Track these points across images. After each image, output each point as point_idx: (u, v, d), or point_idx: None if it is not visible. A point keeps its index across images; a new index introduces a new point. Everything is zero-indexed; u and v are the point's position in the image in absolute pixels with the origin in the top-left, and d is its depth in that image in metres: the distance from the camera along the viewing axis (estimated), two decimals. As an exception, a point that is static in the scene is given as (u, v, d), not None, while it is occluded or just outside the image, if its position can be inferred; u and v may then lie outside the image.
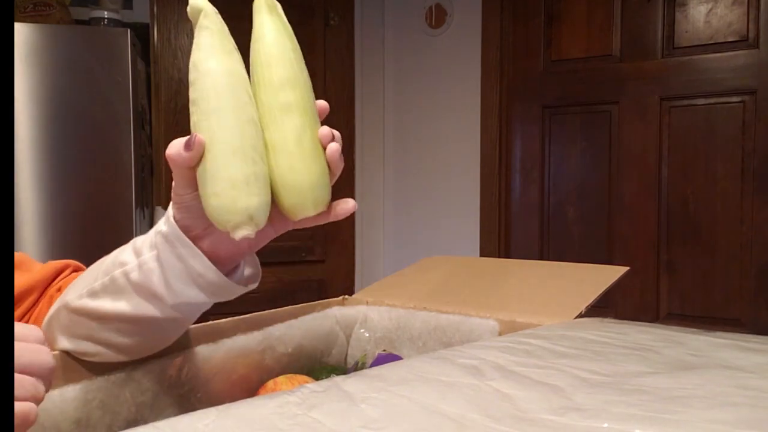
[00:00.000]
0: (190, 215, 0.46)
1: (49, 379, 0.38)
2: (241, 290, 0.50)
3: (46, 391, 0.38)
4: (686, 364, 0.44)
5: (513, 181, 2.38)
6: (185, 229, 0.46)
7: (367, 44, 2.61)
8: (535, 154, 2.32)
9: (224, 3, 2.27)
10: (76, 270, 0.66)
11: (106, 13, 2.08)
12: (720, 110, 1.97)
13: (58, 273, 0.64)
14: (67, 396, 0.50)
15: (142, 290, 0.48)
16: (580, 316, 0.66)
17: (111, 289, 0.49)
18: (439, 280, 0.87)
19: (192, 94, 0.44)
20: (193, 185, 0.45)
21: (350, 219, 2.57)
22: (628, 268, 0.75)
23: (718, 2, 1.96)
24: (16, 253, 0.64)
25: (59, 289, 0.62)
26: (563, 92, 2.26)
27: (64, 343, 0.53)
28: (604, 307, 2.14)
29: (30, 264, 0.64)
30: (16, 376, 0.36)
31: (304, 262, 2.43)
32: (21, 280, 0.61)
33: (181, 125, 2.25)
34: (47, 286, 0.63)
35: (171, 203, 0.47)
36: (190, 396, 0.59)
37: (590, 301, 0.68)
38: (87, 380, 0.52)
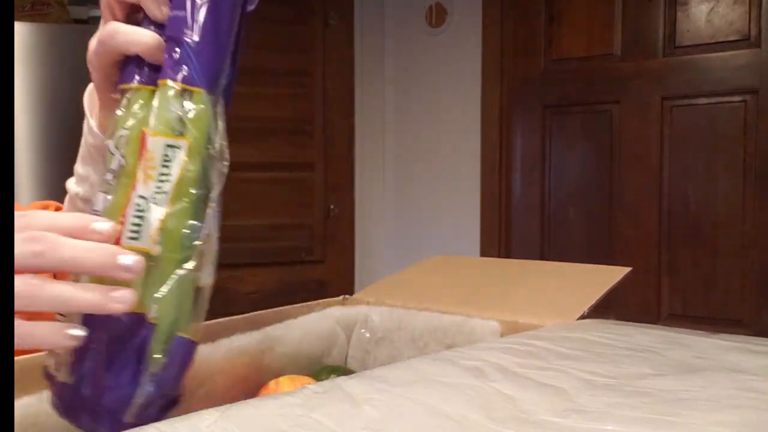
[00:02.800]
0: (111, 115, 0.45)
1: None
2: None
3: None
4: (690, 367, 0.44)
5: (513, 181, 2.38)
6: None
7: (367, 44, 2.60)
8: (535, 153, 2.32)
9: None
10: (58, 209, 0.67)
11: (105, 12, 2.08)
12: (722, 110, 1.97)
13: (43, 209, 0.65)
14: (65, 397, 0.49)
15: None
16: (583, 317, 0.66)
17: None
18: (441, 280, 0.86)
19: None
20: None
21: (350, 219, 2.56)
22: (630, 269, 0.75)
23: (719, 1, 1.96)
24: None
25: None
26: (564, 92, 2.25)
27: None
28: (604, 307, 2.13)
29: (16, 207, 0.66)
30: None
31: (304, 262, 2.43)
32: None
33: (180, 125, 2.24)
34: None
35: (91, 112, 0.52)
36: (188, 396, 0.58)
37: (593, 302, 0.68)
38: (85, 381, 0.51)
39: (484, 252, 2.40)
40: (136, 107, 0.40)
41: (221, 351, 0.62)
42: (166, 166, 0.38)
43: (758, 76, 1.91)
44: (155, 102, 0.40)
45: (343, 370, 0.71)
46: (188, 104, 0.39)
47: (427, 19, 2.53)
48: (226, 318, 0.65)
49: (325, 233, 2.48)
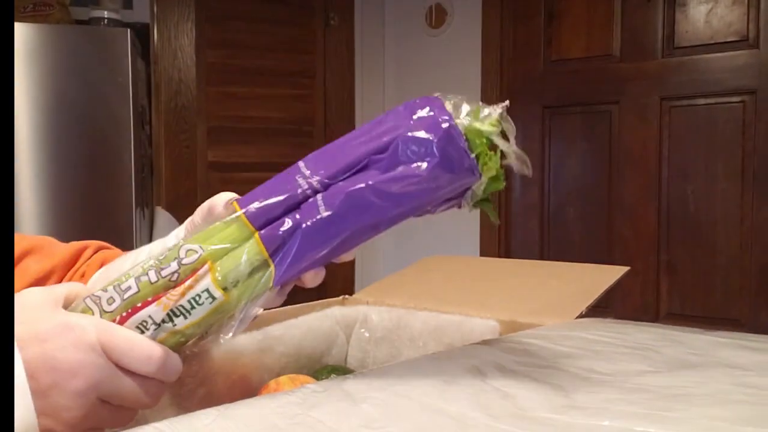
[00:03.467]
0: None
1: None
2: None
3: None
4: (687, 363, 0.44)
5: (513, 181, 2.38)
6: None
7: (367, 44, 2.60)
8: (535, 154, 2.32)
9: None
10: (97, 250, 0.65)
11: (106, 13, 2.08)
12: (720, 110, 1.97)
13: (78, 255, 0.63)
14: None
15: None
16: (581, 316, 0.66)
17: None
18: (440, 280, 0.87)
19: None
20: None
21: (350, 219, 2.56)
22: (628, 268, 0.75)
23: (718, 2, 1.96)
24: (41, 237, 0.64)
25: (83, 275, 0.61)
26: (563, 92, 2.25)
27: None
28: (604, 307, 2.14)
29: (51, 247, 0.64)
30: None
31: (304, 262, 2.43)
32: (39, 266, 0.61)
33: (180, 125, 2.24)
34: (68, 270, 0.62)
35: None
36: (189, 396, 0.59)
37: (591, 302, 0.68)
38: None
39: (484, 252, 2.40)
40: (227, 238, 0.40)
41: (222, 351, 0.63)
42: (192, 306, 0.39)
43: (757, 77, 1.91)
44: (239, 250, 0.40)
45: (342, 370, 0.71)
46: (255, 272, 0.40)
47: (427, 20, 2.53)
48: (227, 318, 0.65)
49: (325, 234, 2.48)
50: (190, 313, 0.39)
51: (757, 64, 1.91)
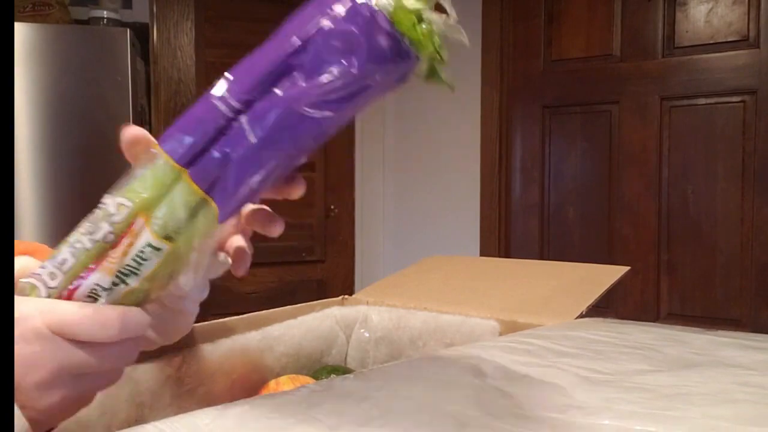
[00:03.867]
0: None
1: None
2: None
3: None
4: (687, 362, 0.44)
5: (513, 181, 2.38)
6: None
7: (366, 44, 2.60)
8: (535, 153, 2.32)
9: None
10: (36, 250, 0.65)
11: (105, 12, 2.08)
12: (720, 110, 1.97)
13: None
14: (66, 395, 0.49)
15: None
16: (581, 316, 0.66)
17: None
18: (440, 280, 0.87)
19: None
20: None
21: (350, 219, 2.56)
22: (628, 267, 0.75)
23: (718, 2, 1.96)
24: (34, 243, 0.64)
25: None
26: (563, 92, 2.25)
27: None
28: (604, 307, 2.14)
29: (44, 254, 0.63)
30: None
31: (304, 262, 2.43)
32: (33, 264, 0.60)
33: (180, 125, 2.24)
34: None
35: None
36: (189, 396, 0.59)
37: (591, 301, 0.68)
38: (86, 380, 0.51)
39: (484, 252, 2.40)
40: (154, 184, 0.37)
41: (221, 351, 0.63)
42: (138, 263, 0.37)
43: (757, 77, 1.91)
44: (171, 195, 0.37)
45: (342, 370, 0.71)
46: (195, 214, 0.37)
47: (426, 20, 2.53)
48: (226, 318, 0.65)
49: (326, 233, 2.48)
50: (139, 271, 0.37)
51: (757, 63, 1.91)
